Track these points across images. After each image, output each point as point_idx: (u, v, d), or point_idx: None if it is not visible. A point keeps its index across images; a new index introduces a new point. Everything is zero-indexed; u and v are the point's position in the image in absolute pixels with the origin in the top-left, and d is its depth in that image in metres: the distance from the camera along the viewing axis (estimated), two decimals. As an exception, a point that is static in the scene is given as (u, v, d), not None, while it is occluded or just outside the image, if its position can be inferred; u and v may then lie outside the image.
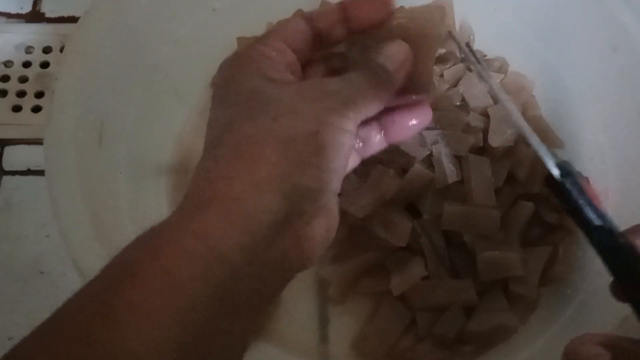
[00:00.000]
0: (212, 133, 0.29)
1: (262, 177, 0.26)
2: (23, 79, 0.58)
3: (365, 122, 0.32)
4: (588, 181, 0.32)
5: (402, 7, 0.33)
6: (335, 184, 0.29)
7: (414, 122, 0.35)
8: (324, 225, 0.29)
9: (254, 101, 0.28)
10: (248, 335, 0.27)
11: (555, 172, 0.32)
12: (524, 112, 0.51)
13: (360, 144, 0.34)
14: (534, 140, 0.33)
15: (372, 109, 0.30)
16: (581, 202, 0.31)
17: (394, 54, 0.32)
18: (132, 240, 0.26)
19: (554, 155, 0.33)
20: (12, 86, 0.58)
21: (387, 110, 0.33)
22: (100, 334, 0.22)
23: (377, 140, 0.35)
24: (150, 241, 0.25)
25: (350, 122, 0.29)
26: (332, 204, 0.30)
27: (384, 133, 0.35)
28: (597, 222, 0.31)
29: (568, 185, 0.31)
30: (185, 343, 0.23)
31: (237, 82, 0.29)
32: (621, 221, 0.31)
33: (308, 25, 0.32)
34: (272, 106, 0.28)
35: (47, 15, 0.61)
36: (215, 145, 0.28)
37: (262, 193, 0.26)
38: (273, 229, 0.26)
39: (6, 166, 0.54)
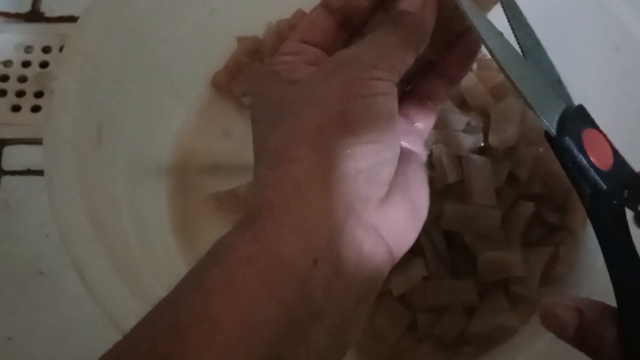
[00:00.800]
0: (254, 153, 0.28)
1: (301, 179, 0.25)
2: (22, 79, 0.58)
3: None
4: (600, 134, 0.27)
5: None
6: (392, 153, 0.27)
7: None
8: (402, 203, 0.27)
9: (276, 109, 0.27)
10: (339, 343, 0.25)
11: (551, 129, 0.27)
12: (523, 113, 0.51)
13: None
14: (523, 87, 0.27)
15: (406, 60, 0.28)
16: (580, 165, 0.26)
17: None
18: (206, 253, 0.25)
19: (563, 102, 0.27)
20: (12, 86, 0.58)
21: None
22: (172, 350, 0.22)
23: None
24: (216, 253, 0.25)
25: (380, 84, 0.26)
26: (411, 176, 0.28)
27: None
28: (602, 186, 0.25)
29: (565, 144, 0.26)
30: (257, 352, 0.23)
31: (262, 98, 0.29)
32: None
33: (325, 13, 0.30)
34: (293, 105, 0.27)
35: (47, 14, 0.61)
36: (256, 161, 0.27)
37: (306, 195, 0.25)
38: (330, 225, 0.25)
39: (5, 166, 0.54)
